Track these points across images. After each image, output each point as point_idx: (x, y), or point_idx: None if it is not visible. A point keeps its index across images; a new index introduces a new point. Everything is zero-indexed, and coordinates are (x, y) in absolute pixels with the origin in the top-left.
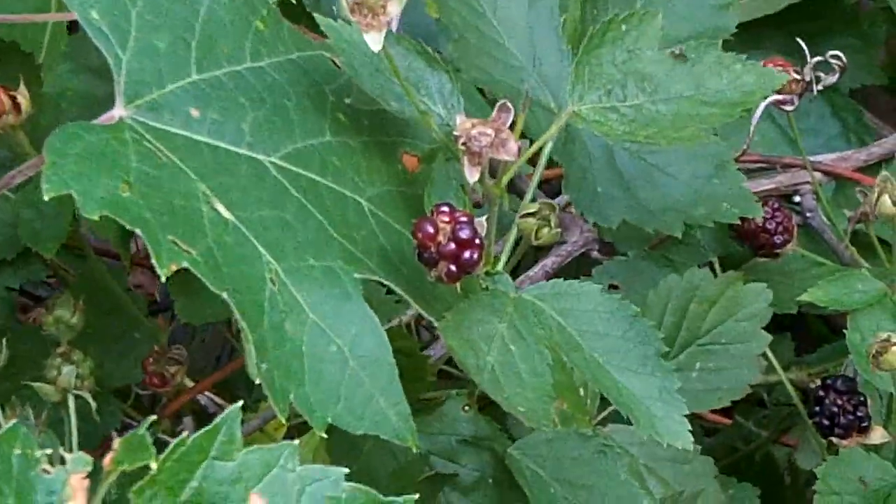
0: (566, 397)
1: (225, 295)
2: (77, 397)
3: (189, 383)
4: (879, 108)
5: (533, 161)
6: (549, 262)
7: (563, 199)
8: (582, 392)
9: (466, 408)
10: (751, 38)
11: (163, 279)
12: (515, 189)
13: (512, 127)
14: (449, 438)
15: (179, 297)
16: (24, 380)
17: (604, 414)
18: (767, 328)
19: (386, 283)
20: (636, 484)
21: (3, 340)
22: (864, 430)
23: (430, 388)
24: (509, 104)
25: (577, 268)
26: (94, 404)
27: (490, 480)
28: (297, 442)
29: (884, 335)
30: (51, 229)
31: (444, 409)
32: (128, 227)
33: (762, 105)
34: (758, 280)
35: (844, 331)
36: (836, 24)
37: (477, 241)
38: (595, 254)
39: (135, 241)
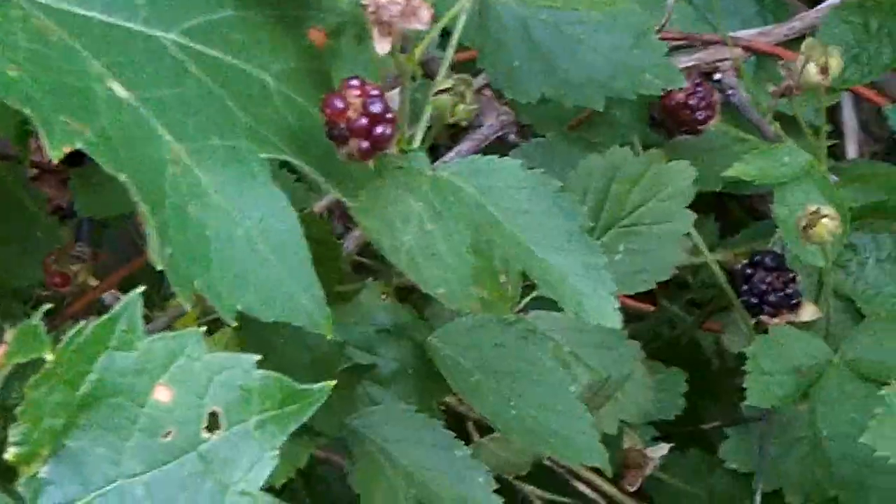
0: (486, 284)
1: (122, 177)
2: None
3: (94, 283)
4: None
5: (445, 43)
6: (464, 146)
7: (477, 81)
8: (503, 278)
9: (384, 296)
10: None
11: (54, 161)
12: (428, 72)
13: None
14: (366, 328)
15: (80, 191)
16: None
17: (526, 301)
18: (691, 209)
19: (294, 162)
20: (562, 370)
21: None
22: (795, 308)
23: (344, 279)
24: None
25: (493, 153)
26: None
27: (410, 370)
28: (202, 329)
29: (813, 207)
30: None
31: (361, 299)
32: (15, 107)
33: None
34: (680, 158)
35: (770, 206)
36: None
37: (389, 115)
38: (512, 137)
39: (40, 150)
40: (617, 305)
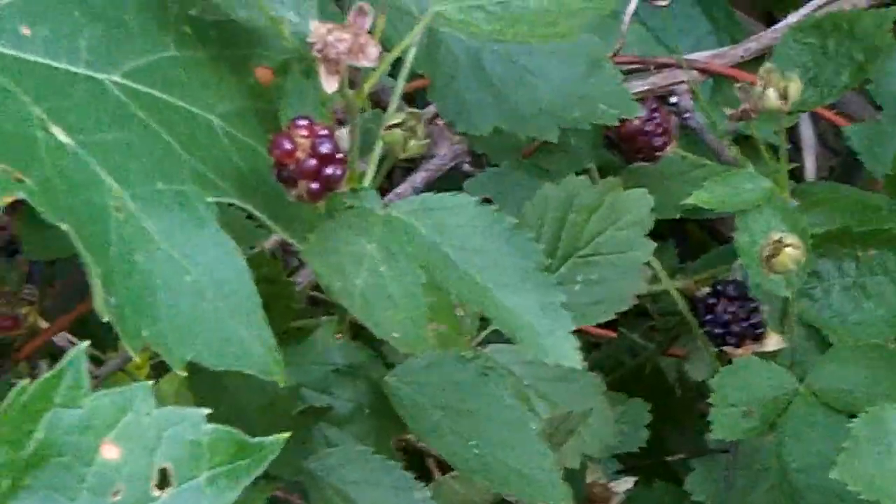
0: (443, 319)
1: (64, 227)
2: None
3: (44, 325)
4: (745, 6)
5: (395, 72)
6: (418, 177)
7: (429, 110)
8: (460, 312)
9: (338, 336)
10: None
11: None
12: (380, 104)
13: (371, 32)
14: (321, 368)
15: (25, 232)
16: None
17: (484, 334)
18: (650, 236)
19: (242, 205)
20: (522, 406)
21: None
22: (759, 337)
23: (298, 316)
24: (366, 6)
25: (448, 184)
26: None
27: (367, 410)
28: (150, 383)
29: (776, 236)
30: None
31: (315, 338)
32: None
33: (633, 1)
34: (638, 185)
35: (731, 235)
36: None
37: (339, 155)
38: (466, 167)
39: None
40: (576, 345)
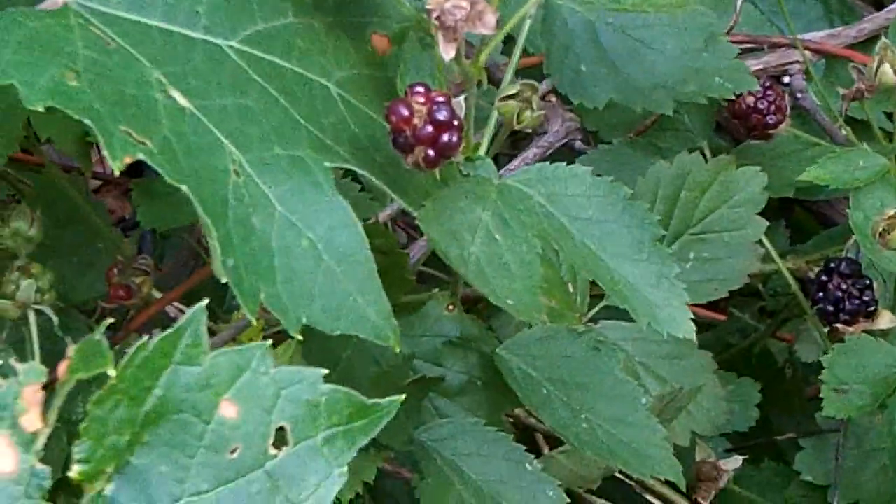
0: (554, 295)
1: (185, 188)
2: (38, 313)
3: (157, 295)
4: None
5: (508, 51)
6: (529, 153)
7: (542, 87)
8: (571, 288)
9: (451, 307)
10: None
11: (116, 172)
12: (493, 80)
13: (488, 1)
14: (433, 340)
15: (141, 202)
16: None
17: (594, 311)
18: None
19: (359, 171)
20: (632, 381)
21: None
22: (871, 315)
23: (411, 289)
24: None
25: (559, 160)
26: (56, 319)
27: (478, 383)
28: (268, 342)
29: (890, 212)
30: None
31: (427, 310)
32: (75, 117)
33: None
34: (750, 164)
35: (838, 220)
36: None
37: (455, 122)
38: (578, 144)
39: (102, 161)
40: (690, 316)
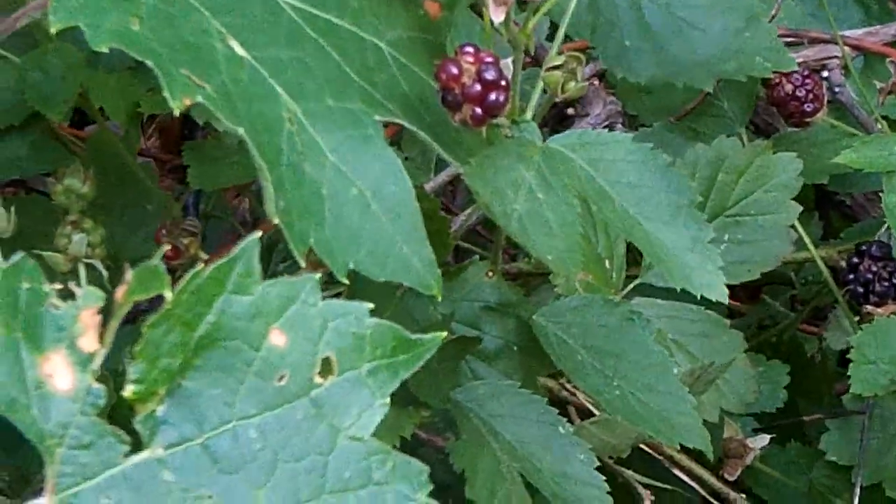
0: (591, 269)
1: (241, 132)
2: (88, 267)
3: (203, 256)
4: None
5: (554, 35)
6: None
7: (586, 71)
8: (607, 264)
9: (490, 274)
10: None
11: (176, 113)
12: (539, 61)
13: None
14: (472, 304)
15: (193, 163)
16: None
17: (629, 288)
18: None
19: (408, 126)
20: (664, 351)
21: (12, 209)
22: None
23: (450, 252)
24: None
25: None
26: (105, 273)
27: (515, 347)
28: (317, 275)
29: None
30: (59, 92)
31: (467, 275)
32: (138, 57)
33: None
34: (787, 150)
35: (870, 211)
36: None
37: (503, 82)
38: (619, 126)
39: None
40: (724, 280)
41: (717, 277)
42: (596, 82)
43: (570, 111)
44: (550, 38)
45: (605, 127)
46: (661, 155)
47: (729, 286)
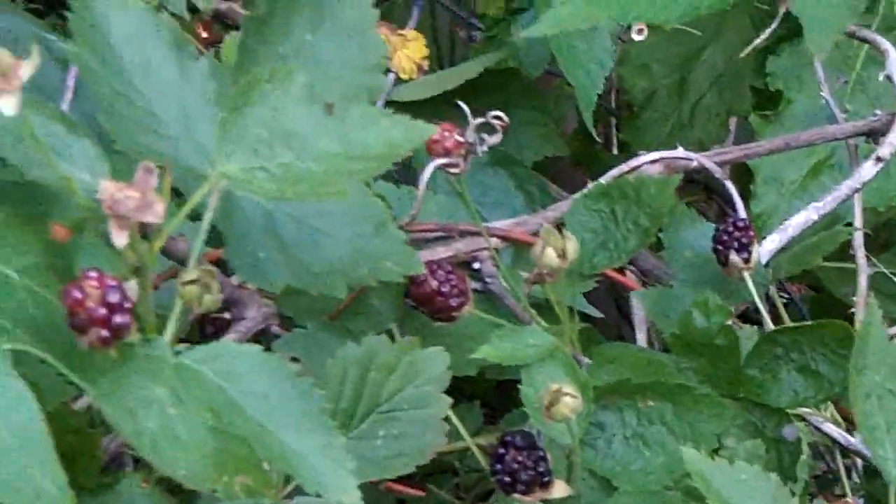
0: (249, 472)
1: None
2: None
3: None
4: (564, 180)
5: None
6: (228, 338)
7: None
8: (267, 466)
9: (144, 484)
10: (430, 112)
11: None
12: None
13: (159, 190)
14: None
15: None
16: None
17: (290, 488)
18: (450, 394)
19: (36, 352)
20: None
21: None
22: (546, 485)
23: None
24: (152, 165)
25: (257, 344)
26: None
27: None
28: None
29: (555, 386)
30: None
31: (120, 488)
32: None
33: (429, 169)
34: (437, 344)
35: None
36: (516, 97)
37: (127, 304)
38: (274, 328)
39: None
40: (356, 482)
41: (349, 480)
42: (250, 286)
43: (227, 315)
44: None
45: (261, 329)
46: (289, 365)
47: (397, 479)
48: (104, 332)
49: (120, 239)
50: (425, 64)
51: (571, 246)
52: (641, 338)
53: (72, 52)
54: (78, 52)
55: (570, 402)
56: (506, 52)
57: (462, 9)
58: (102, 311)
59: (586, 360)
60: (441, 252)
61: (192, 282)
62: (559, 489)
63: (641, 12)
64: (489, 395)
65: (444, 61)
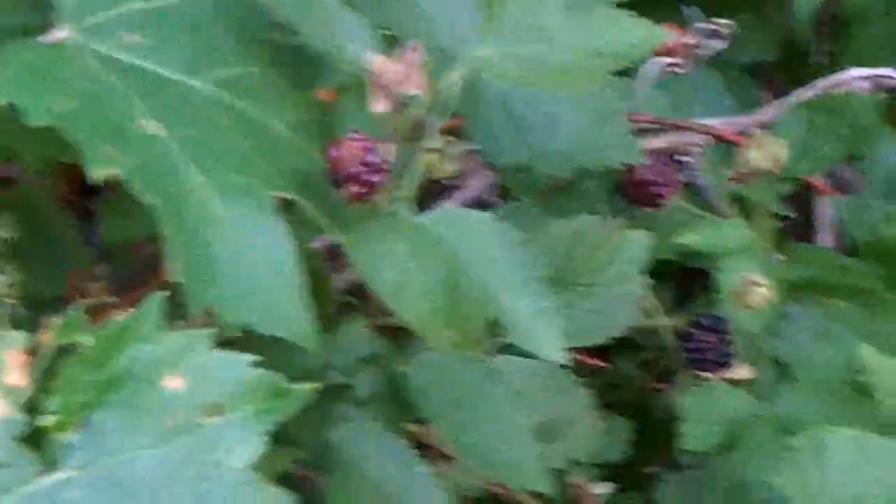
0: (457, 329)
1: (154, 201)
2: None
3: (109, 300)
4: (774, 86)
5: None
6: (449, 203)
7: (465, 147)
8: (470, 324)
9: (365, 329)
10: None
11: (97, 182)
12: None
13: (419, 67)
14: (347, 356)
15: (105, 216)
16: None
17: (494, 347)
18: (653, 279)
19: (297, 199)
20: (515, 406)
21: None
22: (730, 366)
23: (331, 308)
24: (419, 46)
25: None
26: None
27: (383, 395)
28: (211, 330)
29: (750, 277)
30: None
31: (344, 330)
32: (66, 137)
33: (653, 66)
34: (642, 228)
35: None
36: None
37: (382, 165)
38: (492, 199)
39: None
40: (564, 345)
41: (558, 341)
42: (476, 158)
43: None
44: None
45: (480, 198)
46: (515, 233)
47: (584, 349)
48: (360, 189)
49: (380, 106)
50: None
51: (782, 151)
52: (827, 241)
53: None
54: None
55: (763, 293)
56: None
57: None
58: (360, 169)
59: (779, 255)
60: (654, 142)
61: (434, 149)
62: (743, 371)
63: None
64: (675, 279)
65: None
